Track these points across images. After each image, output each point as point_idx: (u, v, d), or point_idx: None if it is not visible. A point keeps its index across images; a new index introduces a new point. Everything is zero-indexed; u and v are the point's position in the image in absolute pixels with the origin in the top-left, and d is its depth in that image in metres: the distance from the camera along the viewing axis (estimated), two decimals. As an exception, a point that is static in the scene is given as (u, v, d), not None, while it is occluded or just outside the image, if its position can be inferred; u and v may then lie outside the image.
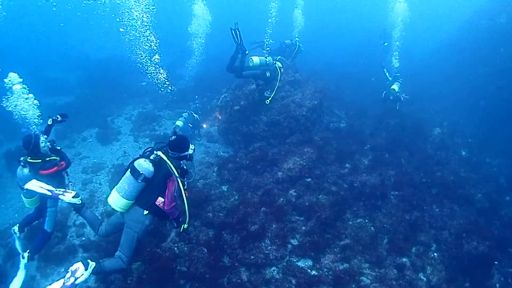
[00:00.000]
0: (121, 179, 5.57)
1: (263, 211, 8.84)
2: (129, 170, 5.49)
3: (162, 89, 11.14)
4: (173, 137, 5.81)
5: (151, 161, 5.55)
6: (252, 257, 7.94)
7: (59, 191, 5.90)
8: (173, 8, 28.98)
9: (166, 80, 11.16)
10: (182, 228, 5.92)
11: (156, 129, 15.24)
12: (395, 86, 13.65)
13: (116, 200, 5.50)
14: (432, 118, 14.85)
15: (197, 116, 13.92)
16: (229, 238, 8.38)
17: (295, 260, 8.15)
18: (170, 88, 11.42)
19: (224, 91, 14.82)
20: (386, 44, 18.28)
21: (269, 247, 8.18)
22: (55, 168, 6.57)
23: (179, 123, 13.04)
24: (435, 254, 8.59)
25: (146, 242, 7.71)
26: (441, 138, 13.22)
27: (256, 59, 11.23)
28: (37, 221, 7.21)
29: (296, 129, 12.10)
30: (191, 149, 5.94)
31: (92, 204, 10.84)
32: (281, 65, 11.72)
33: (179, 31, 19.76)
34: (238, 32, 10.61)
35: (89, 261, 5.31)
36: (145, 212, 5.55)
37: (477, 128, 13.96)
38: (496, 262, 8.35)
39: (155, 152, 5.66)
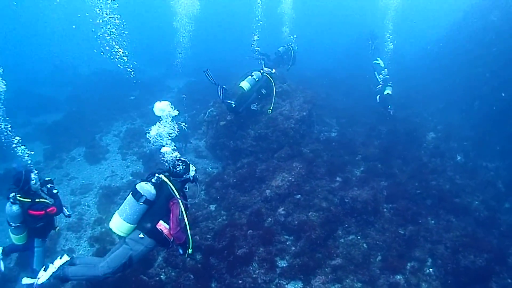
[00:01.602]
0: (122, 203, 5.61)
1: (250, 234, 8.67)
2: (131, 192, 5.53)
3: None
4: (170, 163, 5.95)
5: (153, 183, 5.61)
6: (240, 281, 7.76)
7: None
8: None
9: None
10: (187, 254, 5.87)
11: (145, 145, 15.07)
12: (389, 91, 13.64)
13: (118, 224, 5.51)
14: (425, 122, 14.75)
15: (185, 128, 13.79)
16: (216, 263, 8.23)
17: (284, 283, 7.96)
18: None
19: (211, 105, 14.65)
20: (370, 42, 18.58)
21: (257, 271, 8.02)
22: (43, 212, 6.46)
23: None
24: (430, 270, 8.38)
25: (132, 270, 7.50)
26: (435, 143, 13.08)
27: (245, 84, 11.32)
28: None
29: (285, 142, 11.93)
30: (193, 170, 6.06)
31: (80, 228, 10.73)
32: (269, 70, 11.90)
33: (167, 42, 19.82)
34: (209, 74, 10.91)
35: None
36: (141, 235, 5.52)
37: (472, 130, 13.78)
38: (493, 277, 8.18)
39: (156, 174, 5.73)
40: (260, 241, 8.57)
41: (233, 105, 11.19)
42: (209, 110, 13.73)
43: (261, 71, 11.84)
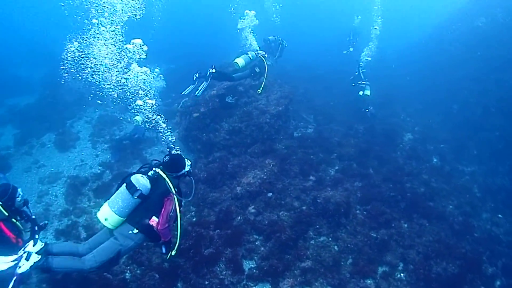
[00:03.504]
0: (114, 193, 5.40)
1: (218, 234, 8.54)
2: (125, 185, 5.31)
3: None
4: (166, 157, 5.74)
5: (149, 177, 5.45)
6: (206, 282, 7.63)
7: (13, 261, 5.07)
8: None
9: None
10: (169, 256, 5.64)
11: (116, 133, 14.69)
12: (367, 92, 13.70)
13: (108, 215, 5.29)
14: (403, 123, 14.78)
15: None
16: (182, 262, 8.02)
17: (252, 285, 7.85)
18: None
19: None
20: (350, 39, 18.92)
21: (224, 272, 7.90)
22: (13, 237, 5.93)
23: (138, 118, 12.98)
24: (401, 275, 8.37)
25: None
26: (412, 145, 13.11)
27: (241, 61, 11.33)
28: None
29: (259, 137, 11.77)
30: (188, 165, 5.93)
31: (46, 219, 10.16)
32: (263, 53, 11.87)
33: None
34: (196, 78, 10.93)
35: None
36: (135, 231, 5.32)
37: (449, 134, 13.90)
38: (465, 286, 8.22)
39: (153, 169, 5.57)
40: (227, 242, 8.43)
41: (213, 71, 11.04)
42: (183, 100, 13.42)
43: (256, 52, 11.85)
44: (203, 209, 9.66)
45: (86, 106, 16.70)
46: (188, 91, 11.15)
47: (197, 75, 11.05)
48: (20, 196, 6.07)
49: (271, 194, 9.70)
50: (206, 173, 10.80)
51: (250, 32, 12.82)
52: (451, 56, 16.49)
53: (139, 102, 9.98)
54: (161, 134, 13.66)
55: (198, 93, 11.07)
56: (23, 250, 5.09)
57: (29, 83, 19.98)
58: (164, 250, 5.59)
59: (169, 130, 9.79)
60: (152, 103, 9.51)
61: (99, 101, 11.40)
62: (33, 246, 5.11)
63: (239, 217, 9.17)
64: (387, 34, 19.58)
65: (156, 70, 14.67)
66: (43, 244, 5.24)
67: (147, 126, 13.08)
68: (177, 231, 5.48)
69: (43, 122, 15.09)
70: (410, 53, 20.93)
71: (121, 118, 15.37)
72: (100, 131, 14.84)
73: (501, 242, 9.81)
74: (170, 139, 13.31)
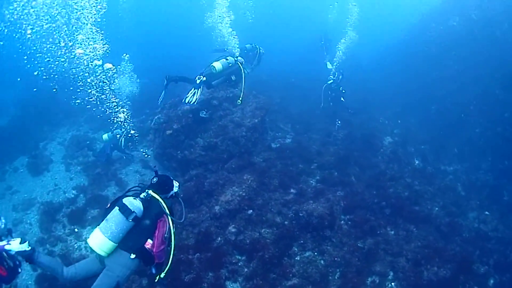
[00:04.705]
0: (105, 218, 5.18)
1: (198, 258, 8.23)
2: (118, 208, 5.10)
3: None
4: (154, 178, 5.61)
5: (141, 199, 5.30)
6: (189, 310, 7.30)
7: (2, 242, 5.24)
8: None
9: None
10: (158, 278, 5.40)
11: (90, 154, 14.26)
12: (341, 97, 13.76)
13: (101, 242, 5.02)
14: (382, 127, 14.71)
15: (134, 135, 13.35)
16: (161, 290, 7.67)
17: (237, 309, 7.53)
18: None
19: (158, 111, 14.00)
20: (323, 43, 19.00)
21: (207, 297, 7.54)
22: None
23: (105, 136, 13.01)
24: (392, 284, 8.24)
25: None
26: (393, 148, 13.01)
27: (218, 65, 10.74)
28: None
29: (236, 152, 11.50)
30: (176, 186, 5.82)
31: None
32: (242, 60, 11.41)
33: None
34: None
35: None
36: (132, 256, 5.09)
37: (429, 134, 13.89)
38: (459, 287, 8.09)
39: (146, 190, 5.42)
40: (209, 265, 8.16)
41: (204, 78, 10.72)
42: (156, 117, 13.09)
43: (235, 58, 11.35)
44: (181, 232, 9.30)
45: (59, 126, 16.51)
46: (161, 98, 10.79)
47: (165, 81, 10.71)
48: (4, 223, 5.78)
49: (251, 211, 9.41)
50: (182, 193, 10.46)
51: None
52: (426, 56, 16.54)
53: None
54: (130, 154, 13.52)
55: (186, 100, 10.83)
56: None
57: (1, 104, 19.50)
58: (154, 271, 5.40)
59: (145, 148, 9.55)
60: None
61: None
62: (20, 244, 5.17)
63: (219, 238, 8.85)
64: (360, 38, 19.58)
65: (124, 56, 14.45)
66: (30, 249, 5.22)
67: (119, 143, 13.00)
68: (170, 253, 5.34)
69: (16, 145, 14.77)
70: (385, 56, 21.02)
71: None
72: (73, 152, 14.56)
73: (490, 239, 9.78)
74: (146, 156, 13.10)
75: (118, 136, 13.04)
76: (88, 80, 10.21)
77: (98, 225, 5.18)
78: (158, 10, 31.12)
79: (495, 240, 9.75)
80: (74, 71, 10.41)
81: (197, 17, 15.99)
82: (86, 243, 10.09)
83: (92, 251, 5.07)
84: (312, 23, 26.88)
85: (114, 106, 10.47)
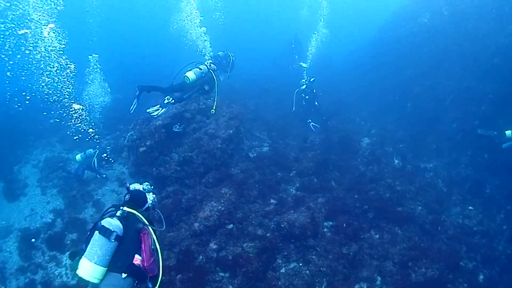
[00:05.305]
0: (88, 245, 5.03)
1: (180, 279, 7.92)
2: (98, 231, 5.03)
3: None
4: (127, 196, 5.55)
5: (118, 217, 5.22)
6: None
7: None
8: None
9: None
10: None
11: (64, 176, 13.91)
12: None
13: (90, 270, 4.89)
14: (359, 128, 14.68)
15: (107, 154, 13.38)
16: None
17: (223, 329, 7.26)
18: None
19: (130, 127, 13.68)
20: (294, 47, 19.20)
21: (191, 320, 7.26)
22: None
23: (78, 157, 13.09)
24: (381, 289, 8.02)
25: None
26: (371, 149, 12.92)
27: (191, 75, 10.46)
28: None
29: (212, 165, 11.29)
30: (150, 199, 5.84)
31: (4, 279, 10.04)
32: (215, 67, 11.19)
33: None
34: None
35: None
36: (124, 275, 4.95)
37: (406, 132, 13.85)
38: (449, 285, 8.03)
39: (121, 208, 5.35)
40: (191, 285, 7.92)
41: (172, 101, 10.36)
42: (128, 134, 12.79)
43: (208, 65, 11.07)
44: (162, 252, 9.00)
45: (32, 148, 16.17)
46: (134, 107, 10.46)
47: (138, 91, 10.42)
48: None
49: (231, 225, 9.19)
50: (160, 211, 10.18)
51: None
52: (399, 54, 16.57)
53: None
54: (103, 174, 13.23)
55: (149, 111, 10.52)
56: None
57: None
58: (151, 286, 5.27)
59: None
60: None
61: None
62: None
63: (201, 256, 8.59)
64: (331, 38, 19.57)
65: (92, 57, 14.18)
66: None
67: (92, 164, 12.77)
68: (159, 262, 5.25)
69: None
70: (357, 55, 21.09)
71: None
72: (48, 174, 14.29)
73: (476, 234, 9.79)
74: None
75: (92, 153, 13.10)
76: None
77: (82, 254, 5.06)
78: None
79: (480, 234, 9.74)
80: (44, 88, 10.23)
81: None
82: (74, 273, 9.84)
83: (84, 280, 4.90)
84: (283, 21, 26.88)
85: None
